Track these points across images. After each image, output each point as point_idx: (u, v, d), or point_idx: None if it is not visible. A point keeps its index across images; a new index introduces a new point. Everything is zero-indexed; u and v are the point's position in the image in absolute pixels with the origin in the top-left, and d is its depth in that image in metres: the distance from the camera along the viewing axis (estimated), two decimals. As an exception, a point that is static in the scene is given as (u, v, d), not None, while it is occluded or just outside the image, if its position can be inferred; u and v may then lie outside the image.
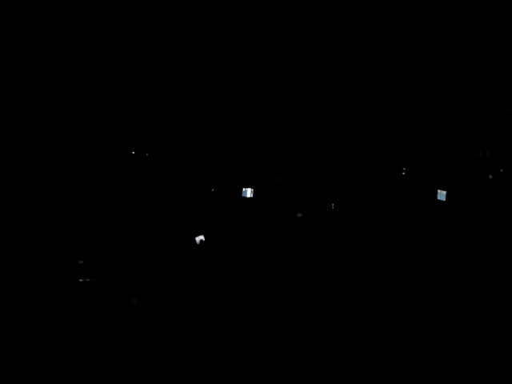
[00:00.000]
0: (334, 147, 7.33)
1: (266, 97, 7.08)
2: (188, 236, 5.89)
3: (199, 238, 5.68)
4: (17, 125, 6.32)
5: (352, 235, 6.70)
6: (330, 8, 6.98)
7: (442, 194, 7.55)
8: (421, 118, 7.53)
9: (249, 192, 5.98)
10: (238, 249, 5.81)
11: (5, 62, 6.37)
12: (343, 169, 7.34)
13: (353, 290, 5.54)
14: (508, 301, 5.30)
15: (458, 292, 5.57)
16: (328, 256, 6.12)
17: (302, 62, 7.15)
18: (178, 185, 6.49)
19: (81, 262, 5.31)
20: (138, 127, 6.77)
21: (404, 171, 7.64)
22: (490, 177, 7.64)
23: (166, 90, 6.86)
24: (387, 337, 4.61)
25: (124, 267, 5.35)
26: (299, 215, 6.48)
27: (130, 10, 6.61)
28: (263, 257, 5.85)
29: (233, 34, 6.87)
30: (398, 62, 7.30)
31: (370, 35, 7.11)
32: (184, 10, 6.76)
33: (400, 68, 7.34)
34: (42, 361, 3.89)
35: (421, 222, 7.26)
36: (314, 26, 7.05)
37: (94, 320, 4.47)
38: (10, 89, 6.36)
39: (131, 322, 4.52)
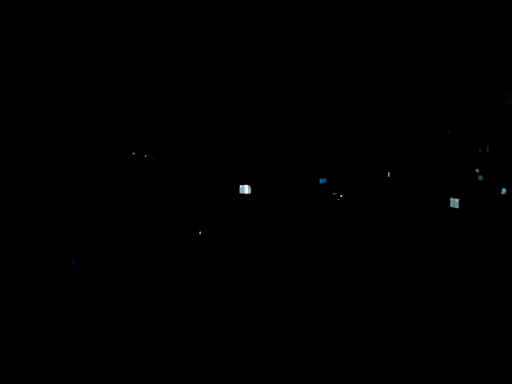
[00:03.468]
0: (336, 146, 7.09)
1: (262, 96, 6.96)
2: (187, 231, 5.72)
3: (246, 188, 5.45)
4: (17, 125, 6.38)
5: (359, 238, 6.40)
6: (329, 9, 6.95)
7: (454, 202, 7.25)
8: (420, 119, 7.32)
9: (246, 188, 5.74)
10: (237, 243, 5.57)
11: (5, 63, 6.43)
12: (351, 170, 7.07)
13: (352, 290, 5.21)
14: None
15: (468, 296, 5.24)
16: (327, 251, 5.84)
17: (301, 63, 7.06)
18: (179, 183, 6.37)
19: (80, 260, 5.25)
20: (138, 127, 6.73)
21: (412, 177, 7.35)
22: (481, 178, 7.42)
23: (166, 91, 6.83)
24: (386, 334, 4.27)
25: (124, 264, 5.27)
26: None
27: (130, 10, 6.68)
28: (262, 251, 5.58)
29: (233, 35, 6.86)
30: (397, 62, 7.14)
31: (370, 34, 6.98)
32: (184, 11, 6.80)
33: (400, 69, 7.17)
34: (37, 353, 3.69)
35: (434, 229, 6.96)
36: (314, 28, 7.00)
37: (94, 319, 4.30)
38: (10, 89, 6.42)
39: (130, 318, 4.32)
